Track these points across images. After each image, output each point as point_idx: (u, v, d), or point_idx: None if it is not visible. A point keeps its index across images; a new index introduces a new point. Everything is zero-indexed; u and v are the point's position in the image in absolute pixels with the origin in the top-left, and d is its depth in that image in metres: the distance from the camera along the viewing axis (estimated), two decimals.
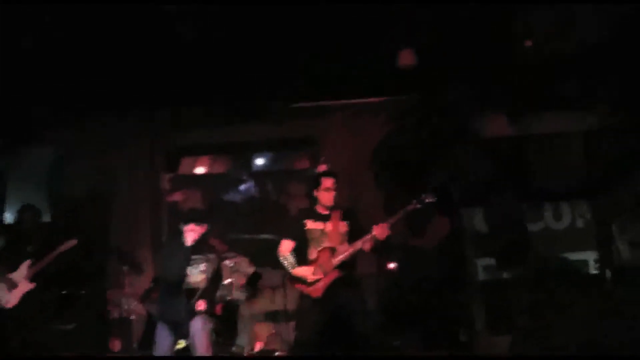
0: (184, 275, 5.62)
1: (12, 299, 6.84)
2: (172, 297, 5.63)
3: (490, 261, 7.20)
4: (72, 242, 6.89)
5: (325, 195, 5.48)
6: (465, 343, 6.59)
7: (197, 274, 5.69)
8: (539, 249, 7.13)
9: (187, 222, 5.73)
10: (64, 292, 7.61)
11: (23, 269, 6.90)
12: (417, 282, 6.74)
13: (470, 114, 7.01)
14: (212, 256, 5.81)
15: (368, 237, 5.26)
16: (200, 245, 5.75)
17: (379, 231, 5.21)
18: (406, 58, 5.54)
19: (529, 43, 6.20)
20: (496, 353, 6.06)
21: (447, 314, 6.47)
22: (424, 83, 6.52)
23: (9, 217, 8.80)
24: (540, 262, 6.94)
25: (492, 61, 6.44)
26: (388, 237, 5.25)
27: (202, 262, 5.73)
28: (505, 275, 7.07)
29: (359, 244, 5.30)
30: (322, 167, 6.15)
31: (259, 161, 9.06)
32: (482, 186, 6.94)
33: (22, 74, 6.39)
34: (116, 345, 7.95)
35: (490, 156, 6.95)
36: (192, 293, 5.63)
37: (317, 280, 5.32)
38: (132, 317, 7.40)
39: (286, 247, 5.53)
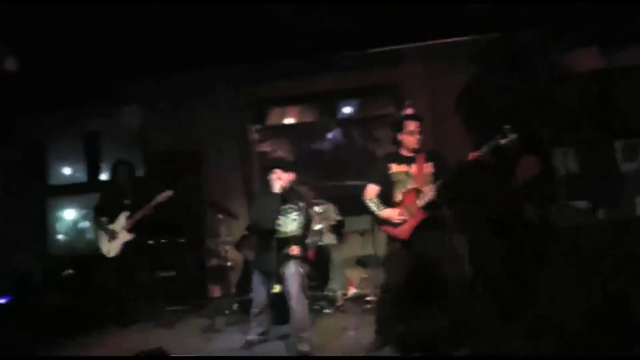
0: (275, 225, 5.80)
1: (113, 248, 7.27)
2: (265, 247, 5.84)
3: (582, 204, 7.02)
4: (168, 194, 7.21)
5: (409, 138, 5.45)
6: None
7: (289, 222, 5.86)
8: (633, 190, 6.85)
9: (273, 168, 5.89)
10: (163, 241, 8.00)
11: (122, 220, 7.29)
12: (506, 225, 6.62)
13: (557, 49, 6.73)
14: (302, 204, 5.92)
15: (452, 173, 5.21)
16: (290, 194, 5.89)
17: (463, 165, 5.16)
18: None
19: None
20: None
21: (536, 258, 6.33)
22: (507, 20, 6.31)
23: (105, 174, 9.30)
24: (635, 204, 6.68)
25: None
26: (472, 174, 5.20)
27: (293, 211, 5.89)
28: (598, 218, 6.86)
29: (442, 184, 5.25)
30: (407, 111, 6.09)
31: (345, 109, 9.08)
32: (572, 124, 6.72)
33: (111, 36, 6.59)
34: (215, 292, 8.29)
35: (580, 93, 6.68)
36: (284, 242, 5.81)
37: (404, 222, 5.35)
38: (229, 263, 7.62)
39: (372, 191, 5.55)
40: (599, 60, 6.98)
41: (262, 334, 6.01)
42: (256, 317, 5.96)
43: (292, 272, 5.72)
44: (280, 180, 5.82)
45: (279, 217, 5.83)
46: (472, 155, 5.11)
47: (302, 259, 6.31)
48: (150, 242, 7.74)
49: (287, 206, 5.87)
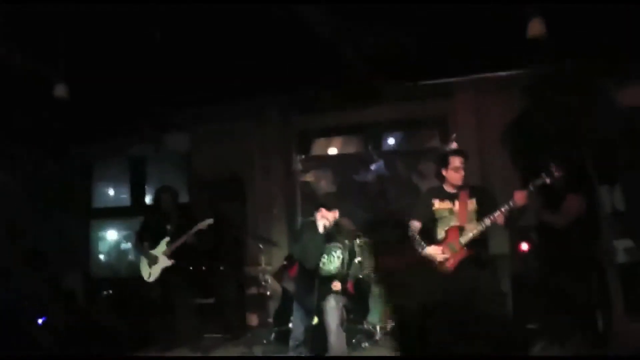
0: (318, 263, 5.82)
1: (153, 272, 7.34)
2: (308, 284, 5.88)
3: (629, 243, 6.82)
4: (209, 221, 7.25)
5: (454, 174, 5.39)
6: (602, 330, 6.26)
7: (333, 260, 5.89)
8: None
9: (317, 207, 5.90)
10: (203, 268, 8.05)
11: (163, 246, 7.36)
12: (551, 264, 6.49)
13: (604, 84, 6.61)
14: (347, 242, 5.97)
15: (502, 209, 5.13)
16: (334, 232, 5.91)
17: (518, 197, 5.07)
18: (536, 28, 5.30)
19: None
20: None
21: (583, 299, 6.18)
22: (555, 54, 6.22)
23: (149, 199, 9.43)
24: None
25: (627, 30, 6.03)
26: (524, 208, 5.12)
27: (338, 249, 5.91)
28: None
29: (488, 220, 5.19)
30: (452, 146, 6.05)
31: (390, 141, 9.05)
32: (621, 161, 6.57)
33: (161, 62, 6.70)
34: (253, 320, 8.27)
35: (628, 129, 6.52)
36: (327, 279, 5.86)
37: (446, 260, 5.29)
38: (268, 292, 7.63)
39: (414, 227, 5.51)
40: None
41: None
42: (294, 349, 5.95)
43: (332, 306, 5.75)
44: (324, 219, 5.83)
45: (324, 255, 5.84)
46: (517, 195, 5.05)
47: (342, 292, 6.34)
48: (190, 268, 7.77)
49: (331, 244, 5.90)
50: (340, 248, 5.92)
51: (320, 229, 5.80)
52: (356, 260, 7.42)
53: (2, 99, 7.19)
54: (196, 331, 7.55)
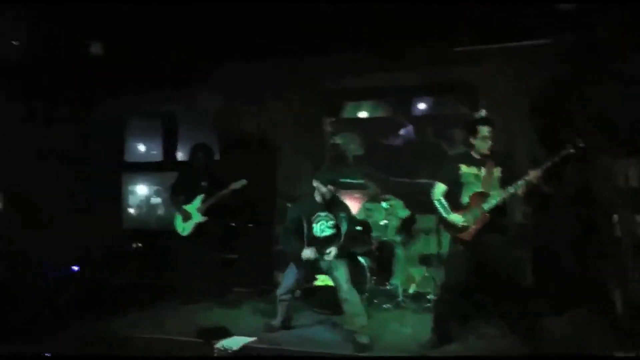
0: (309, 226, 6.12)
1: (187, 227, 7.54)
2: (298, 243, 6.14)
3: None
4: (243, 182, 7.43)
5: (481, 142, 5.46)
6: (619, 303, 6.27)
7: (323, 228, 6.16)
8: None
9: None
10: (233, 225, 8.23)
11: (197, 202, 7.54)
12: (570, 236, 6.50)
13: (634, 55, 6.51)
14: (341, 214, 6.15)
15: (521, 181, 5.22)
16: (329, 203, 6.16)
17: (534, 175, 5.17)
18: None
19: None
20: None
21: (599, 273, 6.19)
22: (584, 23, 6.14)
23: (180, 155, 9.57)
24: None
25: None
26: (541, 182, 5.18)
27: (329, 220, 6.15)
28: None
29: (512, 189, 5.27)
30: (481, 113, 6.08)
31: (420, 106, 9.05)
32: None
33: (195, 20, 6.77)
34: (279, 277, 8.41)
35: None
36: (324, 242, 6.11)
37: (468, 225, 5.38)
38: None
39: (440, 190, 5.60)
40: None
41: (284, 321, 6.35)
42: (280, 302, 6.31)
43: (337, 267, 5.98)
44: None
45: (315, 221, 6.12)
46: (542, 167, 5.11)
47: (367, 252, 6.53)
48: (221, 225, 7.93)
49: (324, 214, 6.14)
50: (332, 220, 6.14)
51: (317, 198, 6.12)
52: (381, 223, 7.58)
53: (39, 56, 7.31)
54: (224, 285, 7.79)
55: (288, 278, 6.28)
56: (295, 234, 6.14)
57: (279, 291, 6.35)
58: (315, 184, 6.11)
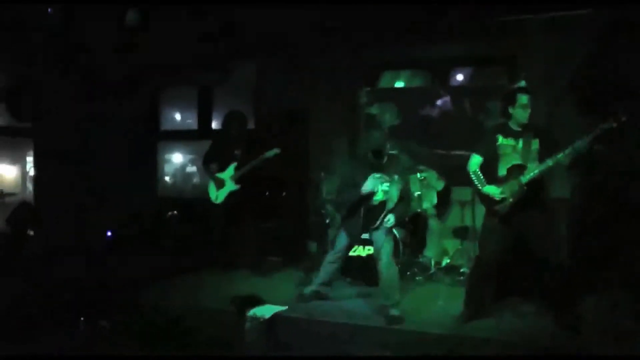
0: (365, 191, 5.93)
1: (220, 195, 7.58)
2: (353, 210, 6.03)
3: None
4: (276, 150, 7.41)
5: (521, 111, 5.33)
6: None
7: (379, 192, 5.97)
8: None
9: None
10: (267, 194, 8.25)
11: (231, 170, 7.56)
12: (607, 213, 6.35)
13: None
14: (395, 177, 5.97)
15: (560, 154, 5.09)
16: (386, 164, 5.99)
17: (575, 147, 5.02)
18: None
19: None
20: None
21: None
22: None
23: (215, 124, 9.58)
24: None
25: None
26: (580, 156, 5.05)
27: (385, 182, 5.95)
28: None
29: (550, 161, 5.14)
30: (521, 84, 5.95)
31: (458, 77, 8.91)
32: None
33: None
34: (312, 247, 8.45)
35: None
36: (375, 208, 5.97)
37: (504, 197, 5.28)
38: (327, 221, 7.76)
39: (476, 162, 5.51)
40: None
41: (324, 283, 6.32)
42: (329, 263, 6.30)
43: (383, 238, 5.87)
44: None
45: (373, 185, 5.93)
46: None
47: (400, 224, 6.45)
48: (255, 193, 7.95)
49: (379, 175, 5.95)
50: (387, 182, 5.95)
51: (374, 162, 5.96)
52: (416, 194, 7.49)
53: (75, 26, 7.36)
54: (258, 253, 7.81)
55: (340, 243, 6.22)
56: (347, 199, 6.08)
57: (328, 255, 6.33)
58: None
